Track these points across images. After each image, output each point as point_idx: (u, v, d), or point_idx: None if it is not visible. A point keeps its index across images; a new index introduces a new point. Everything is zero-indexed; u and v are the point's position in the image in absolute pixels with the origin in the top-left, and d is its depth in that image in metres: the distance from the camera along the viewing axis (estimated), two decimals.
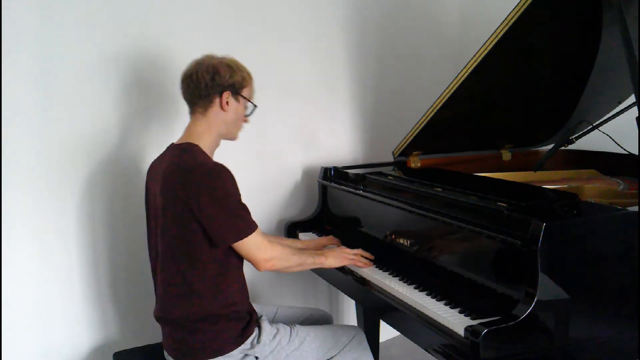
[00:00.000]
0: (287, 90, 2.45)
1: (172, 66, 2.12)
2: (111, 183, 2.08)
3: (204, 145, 1.66)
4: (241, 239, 1.57)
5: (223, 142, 1.77)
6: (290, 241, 2.08)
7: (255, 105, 1.75)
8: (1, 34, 1.78)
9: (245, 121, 1.77)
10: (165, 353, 1.69)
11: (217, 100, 1.66)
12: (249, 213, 1.61)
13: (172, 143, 1.73)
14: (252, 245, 1.59)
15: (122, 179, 2.10)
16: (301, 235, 2.30)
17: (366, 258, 1.87)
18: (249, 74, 1.72)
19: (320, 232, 2.28)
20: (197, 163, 1.58)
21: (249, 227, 1.59)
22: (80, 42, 1.96)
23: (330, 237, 2.07)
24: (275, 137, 2.45)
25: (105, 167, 2.06)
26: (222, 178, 1.56)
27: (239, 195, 1.60)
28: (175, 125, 2.05)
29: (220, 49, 2.21)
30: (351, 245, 1.98)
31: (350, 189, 2.15)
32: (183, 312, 1.59)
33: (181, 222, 1.56)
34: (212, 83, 1.64)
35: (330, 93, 2.63)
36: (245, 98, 1.71)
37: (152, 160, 1.77)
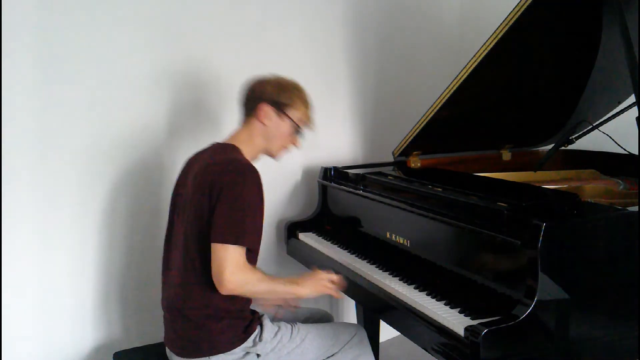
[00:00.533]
0: None
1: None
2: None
3: (243, 150, 1.69)
4: (223, 242, 1.50)
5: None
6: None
7: (299, 128, 1.75)
8: None
9: (293, 143, 1.78)
10: (167, 350, 1.70)
11: (256, 111, 1.70)
12: (256, 232, 1.56)
13: (216, 142, 1.75)
14: (227, 255, 1.49)
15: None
16: (301, 235, 2.30)
17: (335, 287, 1.72)
18: (303, 100, 1.75)
19: (320, 232, 2.28)
20: (231, 158, 1.61)
21: (240, 239, 1.51)
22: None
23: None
24: None
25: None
26: (247, 177, 1.55)
27: (258, 202, 1.56)
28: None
29: (219, 49, 2.24)
30: (351, 245, 1.98)
31: (350, 189, 2.15)
32: (192, 307, 1.60)
33: (202, 215, 1.56)
34: (253, 94, 1.71)
35: (330, 93, 2.63)
36: (289, 118, 1.71)
37: (177, 165, 1.79)
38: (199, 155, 1.75)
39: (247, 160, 1.64)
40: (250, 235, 1.55)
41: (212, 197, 1.54)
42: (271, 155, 1.78)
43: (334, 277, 1.70)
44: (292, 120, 1.72)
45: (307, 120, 1.78)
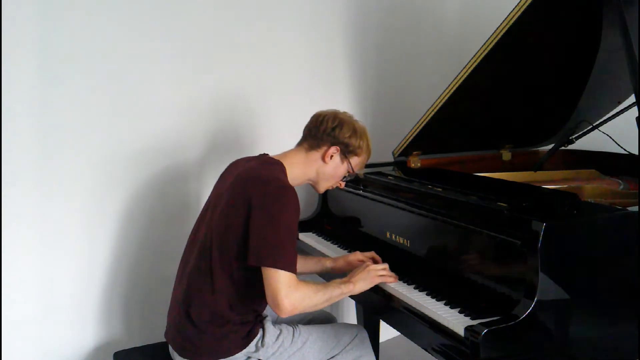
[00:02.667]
0: (287, 91, 2.45)
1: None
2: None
3: (289, 172, 1.68)
4: (273, 267, 1.49)
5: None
6: (314, 261, 1.95)
7: (353, 172, 1.77)
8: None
9: (339, 184, 1.80)
10: (170, 348, 1.70)
11: (323, 149, 1.71)
12: (295, 253, 1.55)
13: (266, 154, 1.76)
14: (280, 278, 1.49)
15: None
16: (301, 235, 2.30)
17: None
18: (368, 148, 1.78)
19: (320, 232, 2.28)
20: (271, 176, 1.60)
21: (288, 263, 1.51)
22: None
23: (372, 252, 1.87)
24: (275, 138, 2.45)
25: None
26: (287, 199, 1.54)
27: (295, 226, 1.56)
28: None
29: (219, 50, 2.24)
30: (351, 245, 1.97)
31: (350, 189, 2.15)
32: (197, 310, 1.60)
33: (232, 223, 1.56)
34: (331, 132, 1.71)
35: (330, 93, 2.63)
36: (349, 164, 1.74)
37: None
38: (244, 164, 1.72)
39: (285, 178, 1.64)
40: (294, 256, 1.55)
41: (247, 213, 1.53)
42: (316, 188, 1.79)
43: (385, 265, 1.72)
44: (351, 166, 1.75)
45: (361, 167, 1.81)
